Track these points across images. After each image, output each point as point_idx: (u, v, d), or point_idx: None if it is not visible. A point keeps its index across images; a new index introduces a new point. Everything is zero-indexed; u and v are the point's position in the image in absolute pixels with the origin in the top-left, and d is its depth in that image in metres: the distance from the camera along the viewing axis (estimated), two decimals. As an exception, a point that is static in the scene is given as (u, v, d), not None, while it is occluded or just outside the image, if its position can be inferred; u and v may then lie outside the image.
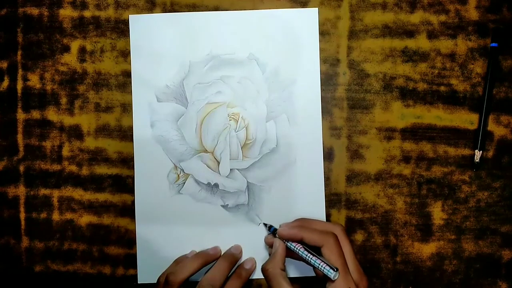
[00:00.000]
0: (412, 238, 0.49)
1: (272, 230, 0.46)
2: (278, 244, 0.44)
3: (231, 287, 0.45)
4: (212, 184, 0.48)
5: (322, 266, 0.40)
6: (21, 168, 0.49)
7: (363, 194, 0.49)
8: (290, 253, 0.44)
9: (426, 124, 0.49)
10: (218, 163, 0.48)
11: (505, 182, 0.49)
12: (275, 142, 0.48)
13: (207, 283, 0.44)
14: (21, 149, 0.49)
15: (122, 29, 0.49)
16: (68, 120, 0.49)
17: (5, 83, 0.49)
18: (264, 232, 0.48)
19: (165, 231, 0.48)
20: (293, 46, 0.48)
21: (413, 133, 0.49)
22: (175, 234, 0.48)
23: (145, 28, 0.48)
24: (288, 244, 0.43)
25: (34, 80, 0.49)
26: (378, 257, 0.49)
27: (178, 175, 0.49)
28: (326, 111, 0.49)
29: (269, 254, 0.47)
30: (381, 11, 0.49)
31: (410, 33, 0.49)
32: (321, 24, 0.49)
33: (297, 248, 0.43)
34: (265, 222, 0.48)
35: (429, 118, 0.49)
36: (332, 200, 0.49)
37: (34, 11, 0.49)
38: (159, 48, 0.48)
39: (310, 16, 0.49)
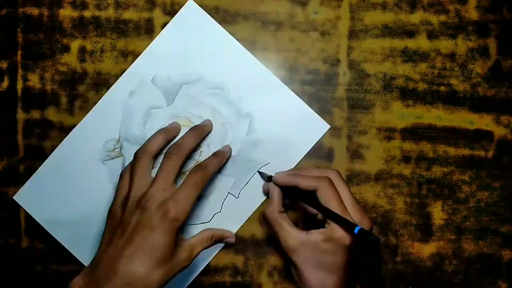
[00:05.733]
0: (412, 238, 0.49)
1: (269, 179, 0.46)
2: (273, 188, 0.44)
3: (209, 162, 0.44)
4: None
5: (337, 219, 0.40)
6: (21, 168, 0.49)
7: (363, 194, 0.49)
8: (295, 201, 0.45)
9: (426, 124, 0.49)
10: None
11: (505, 182, 0.49)
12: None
13: (175, 147, 0.43)
14: (21, 149, 0.49)
15: (122, 29, 0.49)
16: (68, 120, 0.49)
17: (5, 83, 0.49)
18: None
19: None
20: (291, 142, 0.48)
21: (413, 133, 0.49)
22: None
23: (194, 22, 0.48)
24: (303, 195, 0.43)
25: (34, 80, 0.49)
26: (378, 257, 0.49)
27: (114, 148, 0.48)
28: (326, 111, 0.49)
29: None
30: (381, 11, 0.49)
31: (410, 33, 0.49)
32: (321, 24, 0.49)
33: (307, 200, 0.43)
34: (260, 171, 0.48)
35: (429, 118, 0.49)
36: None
37: (34, 11, 0.49)
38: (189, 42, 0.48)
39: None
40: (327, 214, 0.41)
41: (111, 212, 0.43)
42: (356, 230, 0.39)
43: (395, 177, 0.49)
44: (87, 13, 0.49)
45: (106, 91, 0.49)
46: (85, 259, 0.49)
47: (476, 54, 0.49)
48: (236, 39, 0.49)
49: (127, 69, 0.49)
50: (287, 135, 0.48)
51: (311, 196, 0.42)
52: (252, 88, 0.48)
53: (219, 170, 0.47)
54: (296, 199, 0.46)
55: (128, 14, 0.49)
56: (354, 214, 0.41)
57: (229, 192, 0.48)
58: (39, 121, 0.49)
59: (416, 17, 0.49)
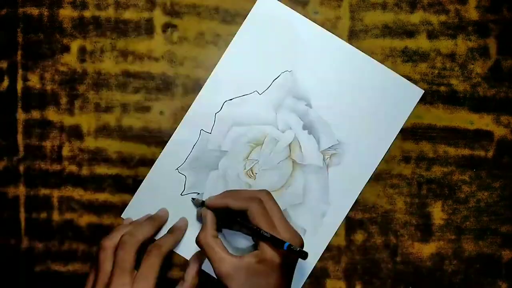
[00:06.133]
0: (412, 238, 0.49)
1: (201, 204, 0.47)
2: (206, 212, 0.44)
3: (162, 242, 0.44)
4: None
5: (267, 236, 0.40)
6: (21, 168, 0.49)
7: (363, 194, 0.49)
8: (229, 225, 0.45)
9: (426, 124, 0.49)
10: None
11: (505, 182, 0.49)
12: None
13: (128, 236, 0.43)
14: (21, 149, 0.49)
15: (122, 29, 0.49)
16: (68, 120, 0.49)
17: (5, 83, 0.49)
18: None
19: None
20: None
21: (413, 133, 0.49)
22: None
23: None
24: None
25: (34, 80, 0.49)
26: (378, 257, 0.49)
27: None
28: (326, 111, 0.49)
29: None
30: (381, 11, 0.49)
31: (410, 33, 0.49)
32: (321, 24, 0.49)
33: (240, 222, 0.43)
34: (193, 197, 0.48)
35: (429, 118, 0.49)
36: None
37: (34, 11, 0.49)
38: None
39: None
40: (257, 234, 0.40)
41: None
42: (285, 246, 0.39)
43: (395, 177, 0.49)
44: (87, 13, 0.49)
45: (106, 91, 0.49)
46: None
47: (476, 54, 0.49)
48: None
49: (126, 69, 0.49)
50: (381, 109, 0.48)
51: (242, 217, 0.42)
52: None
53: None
54: (228, 222, 0.46)
55: (128, 14, 0.49)
56: (284, 233, 0.41)
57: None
58: (39, 121, 0.49)
59: (416, 17, 0.49)
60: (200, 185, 0.48)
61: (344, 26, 0.49)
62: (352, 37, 0.49)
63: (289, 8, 0.48)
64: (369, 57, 0.48)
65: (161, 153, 0.48)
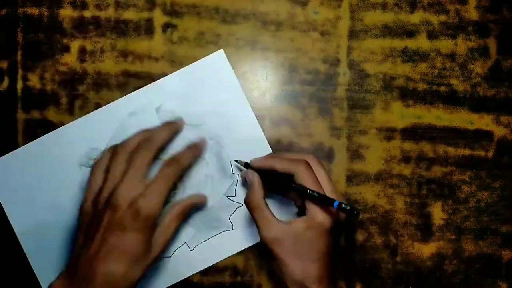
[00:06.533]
0: (412, 238, 0.49)
1: (246, 166, 0.46)
2: (252, 175, 0.43)
3: (182, 155, 0.44)
4: None
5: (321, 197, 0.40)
6: (21, 168, 0.49)
7: (363, 194, 0.49)
8: (275, 188, 0.44)
9: (426, 124, 0.49)
10: None
11: (505, 182, 0.49)
12: None
13: (145, 141, 0.43)
14: (21, 149, 0.49)
15: (122, 29, 0.49)
16: (68, 120, 0.49)
17: (5, 83, 0.49)
18: None
19: None
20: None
21: (413, 133, 0.49)
22: None
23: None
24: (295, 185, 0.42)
25: (34, 80, 0.49)
26: (378, 257, 0.49)
27: (96, 158, 0.47)
28: (326, 111, 0.49)
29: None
30: (381, 11, 0.49)
31: (410, 33, 0.49)
32: (321, 24, 0.49)
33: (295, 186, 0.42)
34: (236, 159, 0.47)
35: (429, 118, 0.49)
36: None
37: (34, 11, 0.49)
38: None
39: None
40: (305, 195, 0.40)
41: (82, 210, 0.42)
42: (335, 204, 0.38)
43: (395, 177, 0.49)
44: (87, 13, 0.49)
45: (107, 91, 0.49)
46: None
47: (476, 54, 0.49)
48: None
49: (126, 69, 0.49)
50: None
51: (288, 180, 0.42)
52: (247, 152, 0.47)
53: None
54: (274, 185, 0.45)
55: (128, 14, 0.49)
56: (331, 195, 0.41)
57: (185, 242, 0.47)
58: (39, 121, 0.49)
59: (416, 17, 0.49)
60: None
61: (344, 26, 0.49)
62: (352, 37, 0.49)
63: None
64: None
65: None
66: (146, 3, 0.49)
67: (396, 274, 0.49)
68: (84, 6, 0.49)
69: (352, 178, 0.49)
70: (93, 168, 0.44)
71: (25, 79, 0.49)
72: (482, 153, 0.49)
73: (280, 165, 0.42)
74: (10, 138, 0.49)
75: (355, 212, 0.38)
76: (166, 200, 0.42)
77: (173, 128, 0.46)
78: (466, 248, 0.49)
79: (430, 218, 0.49)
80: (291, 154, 0.44)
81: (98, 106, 0.49)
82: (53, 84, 0.49)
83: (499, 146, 0.49)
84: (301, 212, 0.42)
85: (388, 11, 0.49)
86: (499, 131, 0.49)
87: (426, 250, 0.49)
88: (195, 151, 0.46)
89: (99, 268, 0.39)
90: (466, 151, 0.49)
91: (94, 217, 0.41)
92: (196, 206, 0.47)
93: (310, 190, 0.40)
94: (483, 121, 0.49)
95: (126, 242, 0.40)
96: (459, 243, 0.49)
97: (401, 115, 0.49)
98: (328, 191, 0.41)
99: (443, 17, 0.49)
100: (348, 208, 0.38)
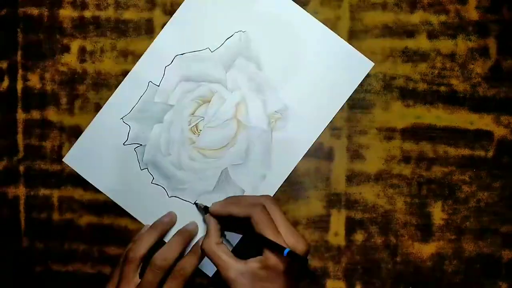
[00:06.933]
0: (412, 238, 0.49)
1: (204, 210, 0.47)
2: (209, 219, 0.44)
3: (186, 264, 0.45)
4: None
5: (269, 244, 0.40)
6: (21, 168, 0.49)
7: (363, 194, 0.49)
8: (233, 231, 0.46)
9: (426, 124, 0.49)
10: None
11: (505, 182, 0.49)
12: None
13: (160, 259, 0.44)
14: (21, 149, 0.49)
15: (122, 29, 0.49)
16: (68, 120, 0.49)
17: (5, 83, 0.49)
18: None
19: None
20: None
21: (413, 133, 0.49)
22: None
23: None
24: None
25: (34, 80, 0.49)
26: (378, 257, 0.49)
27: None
28: (326, 111, 0.49)
29: None
30: (381, 11, 0.49)
31: (410, 33, 0.49)
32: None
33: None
34: (197, 202, 0.48)
35: (429, 118, 0.49)
36: (332, 200, 0.49)
37: (34, 11, 0.49)
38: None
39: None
40: (260, 241, 0.40)
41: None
42: (285, 252, 0.39)
43: (395, 177, 0.49)
44: (87, 13, 0.49)
45: (107, 91, 0.49)
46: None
47: (476, 54, 0.49)
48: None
49: (126, 69, 0.49)
50: (329, 78, 0.48)
51: (246, 224, 0.42)
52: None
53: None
54: (232, 229, 0.46)
55: (128, 14, 0.49)
56: (288, 238, 0.41)
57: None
58: (39, 121, 0.49)
59: (416, 17, 0.49)
60: (143, 137, 0.49)
61: (344, 26, 0.49)
62: (352, 37, 0.49)
63: None
64: (324, 26, 0.48)
65: (107, 102, 0.48)
66: (146, 3, 0.49)
67: (396, 274, 0.49)
68: (84, 6, 0.49)
69: (352, 178, 0.49)
70: (112, 271, 0.46)
71: (25, 79, 0.49)
72: (482, 153, 0.49)
73: (237, 211, 0.43)
74: (10, 138, 0.49)
75: (304, 261, 0.38)
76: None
77: (187, 238, 0.47)
78: (466, 248, 0.49)
79: (430, 218, 0.49)
80: (249, 197, 0.45)
81: (98, 106, 0.49)
82: (53, 84, 0.49)
83: (499, 146, 0.49)
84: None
85: (388, 11, 0.49)
86: (499, 131, 0.49)
87: (426, 250, 0.49)
88: (199, 256, 0.46)
89: None
90: (466, 151, 0.49)
91: None
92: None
93: (264, 237, 0.40)
94: (483, 121, 0.49)
95: None
96: (459, 243, 0.49)
97: (401, 115, 0.49)
98: (284, 234, 0.41)
99: (443, 17, 0.49)
100: (298, 257, 0.39)
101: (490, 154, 0.49)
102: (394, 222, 0.49)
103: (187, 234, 0.47)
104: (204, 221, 0.48)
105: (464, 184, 0.49)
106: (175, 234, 0.47)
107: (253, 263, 0.40)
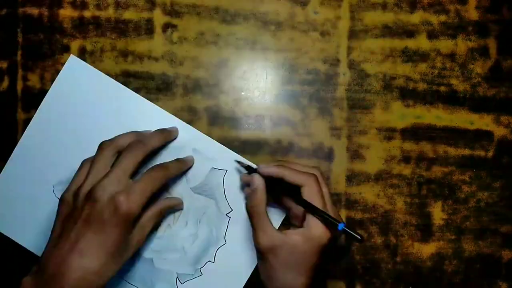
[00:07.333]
0: (412, 238, 0.49)
1: (250, 169, 0.44)
2: (258, 180, 0.42)
3: (170, 165, 0.43)
4: None
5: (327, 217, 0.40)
6: (21, 168, 0.49)
7: (363, 194, 0.49)
8: (277, 196, 0.44)
9: (426, 124, 0.49)
10: None
11: (505, 182, 0.49)
12: None
13: (138, 142, 0.42)
14: (21, 149, 0.49)
15: (122, 29, 0.49)
16: (68, 120, 0.49)
17: (5, 83, 0.49)
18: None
19: None
20: None
21: (413, 133, 0.49)
22: None
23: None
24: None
25: (34, 80, 0.49)
26: (378, 257, 0.49)
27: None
28: (326, 111, 0.49)
29: (246, 194, 0.45)
30: (381, 11, 0.49)
31: (410, 33, 0.49)
32: (321, 24, 0.49)
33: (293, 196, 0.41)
34: (239, 160, 0.46)
35: (429, 118, 0.49)
36: (332, 200, 0.49)
37: (34, 11, 0.49)
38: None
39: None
40: (311, 210, 0.40)
41: (63, 200, 0.41)
42: (340, 227, 0.39)
43: (395, 177, 0.49)
44: (87, 13, 0.49)
45: (106, 91, 0.49)
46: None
47: (476, 54, 0.49)
48: (236, 38, 0.49)
49: (126, 69, 0.49)
50: None
51: (294, 190, 0.41)
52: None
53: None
54: (278, 193, 0.44)
55: (128, 14, 0.49)
56: (332, 215, 0.40)
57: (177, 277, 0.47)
58: (39, 121, 0.49)
59: (416, 17, 0.49)
60: None
61: (344, 26, 0.49)
62: (352, 37, 0.49)
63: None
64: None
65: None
66: (146, 3, 0.49)
67: (396, 274, 0.49)
68: (84, 6, 0.49)
69: (352, 178, 0.49)
70: (82, 162, 0.43)
71: (25, 79, 0.49)
72: (482, 153, 0.49)
73: (290, 176, 0.41)
74: (10, 138, 0.49)
75: (360, 238, 0.38)
76: (147, 204, 0.41)
77: (166, 135, 0.45)
78: (466, 248, 0.49)
79: (430, 218, 0.49)
80: (299, 165, 0.43)
81: (98, 106, 0.49)
82: (53, 84, 0.49)
83: (499, 146, 0.49)
84: (291, 219, 0.43)
85: (388, 11, 0.49)
86: (499, 131, 0.49)
87: (426, 250, 0.49)
88: (183, 164, 0.45)
89: (73, 262, 0.38)
90: (466, 151, 0.49)
91: (73, 209, 0.40)
92: (172, 209, 0.46)
93: (319, 209, 0.40)
94: (483, 121, 0.49)
95: (104, 237, 0.38)
96: (459, 243, 0.49)
97: (401, 115, 0.49)
98: (329, 210, 0.41)
99: (443, 17, 0.49)
100: (353, 233, 0.38)
101: (490, 154, 0.49)
102: (394, 222, 0.49)
103: (169, 133, 0.45)
104: (243, 180, 0.45)
105: (464, 184, 0.49)
106: (156, 130, 0.45)
107: (295, 235, 0.40)
